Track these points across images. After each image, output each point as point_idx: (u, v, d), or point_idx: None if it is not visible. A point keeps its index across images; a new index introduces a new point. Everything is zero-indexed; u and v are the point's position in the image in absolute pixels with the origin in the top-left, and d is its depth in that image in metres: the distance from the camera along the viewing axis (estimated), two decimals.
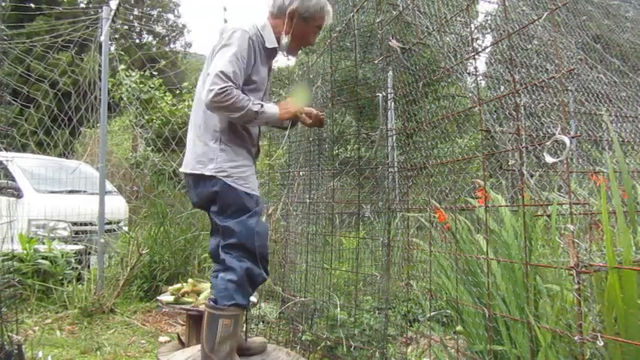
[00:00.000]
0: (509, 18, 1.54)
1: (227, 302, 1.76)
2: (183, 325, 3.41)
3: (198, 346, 2.07)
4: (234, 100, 1.71)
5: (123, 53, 6.41)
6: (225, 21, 4.05)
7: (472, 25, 1.76)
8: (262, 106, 1.82)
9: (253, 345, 2.08)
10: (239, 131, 1.89)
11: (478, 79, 1.77)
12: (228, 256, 1.82)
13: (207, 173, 1.81)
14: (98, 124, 5.18)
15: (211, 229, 2.07)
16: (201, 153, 1.84)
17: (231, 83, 1.71)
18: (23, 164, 5.22)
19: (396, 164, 2.86)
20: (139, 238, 4.16)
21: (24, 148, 6.18)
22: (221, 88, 1.68)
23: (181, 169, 1.97)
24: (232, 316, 1.77)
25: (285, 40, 1.93)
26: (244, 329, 2.15)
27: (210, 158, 1.82)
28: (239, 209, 1.83)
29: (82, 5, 15.09)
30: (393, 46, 2.12)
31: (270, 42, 1.92)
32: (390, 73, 2.61)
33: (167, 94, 6.63)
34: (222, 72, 1.70)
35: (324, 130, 2.83)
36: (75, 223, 5.01)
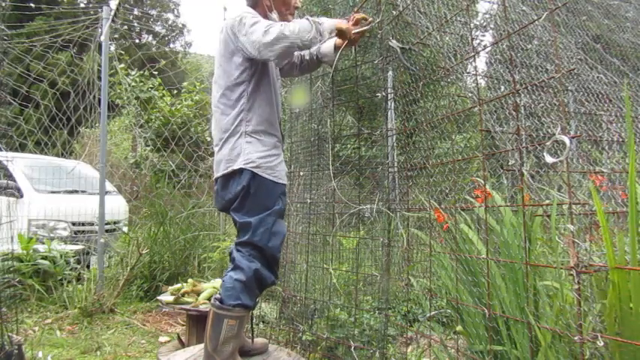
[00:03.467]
0: (509, 18, 1.54)
1: (233, 302, 1.75)
2: (183, 325, 3.41)
3: (199, 346, 2.07)
4: (296, 23, 1.76)
5: (123, 53, 6.40)
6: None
7: (472, 25, 1.76)
8: (318, 19, 1.84)
9: (255, 346, 2.08)
10: (264, 118, 1.88)
11: (478, 79, 1.77)
12: (239, 255, 1.81)
13: (237, 167, 1.80)
14: (97, 124, 5.18)
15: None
16: (229, 152, 1.83)
17: (274, 22, 1.76)
18: (23, 164, 5.22)
19: (396, 164, 2.86)
20: (139, 238, 4.16)
21: (22, 148, 6.18)
22: (279, 25, 1.73)
23: (215, 176, 1.96)
24: (237, 317, 1.76)
25: (274, 16, 1.97)
26: (250, 330, 2.15)
27: (238, 153, 1.82)
28: (260, 205, 1.81)
29: (82, 5, 15.08)
30: (393, 46, 2.12)
31: None
32: (390, 73, 2.61)
33: (166, 93, 6.63)
34: (267, 24, 1.74)
35: (323, 129, 2.83)
36: (75, 223, 5.02)
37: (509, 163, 1.49)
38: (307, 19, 1.82)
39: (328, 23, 1.87)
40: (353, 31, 1.95)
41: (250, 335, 2.12)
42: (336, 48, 2.09)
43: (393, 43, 2.12)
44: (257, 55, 1.78)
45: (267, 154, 1.85)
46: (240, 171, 1.81)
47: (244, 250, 1.81)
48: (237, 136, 1.83)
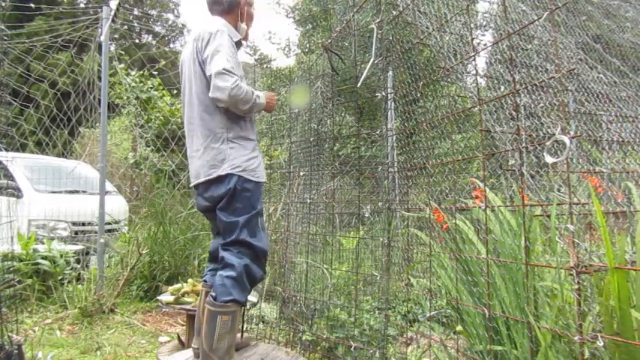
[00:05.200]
0: (509, 18, 1.54)
1: (225, 298, 1.80)
2: (183, 325, 3.41)
3: (196, 345, 2.07)
4: (246, 91, 1.83)
5: (123, 53, 6.40)
6: None
7: (472, 25, 1.76)
8: (259, 97, 1.94)
9: (239, 340, 2.13)
10: (242, 125, 1.96)
11: (478, 79, 1.77)
12: (227, 253, 1.86)
13: (223, 172, 1.86)
14: (97, 124, 5.18)
15: (215, 232, 2.11)
16: (212, 157, 1.89)
17: (236, 77, 1.81)
18: (23, 164, 5.22)
19: (396, 164, 2.86)
20: (139, 238, 4.15)
21: (23, 148, 6.18)
22: (234, 82, 1.78)
23: (193, 182, 2.01)
24: (230, 312, 1.81)
25: (244, 27, 2.11)
26: (242, 328, 2.17)
27: (222, 159, 1.88)
28: (247, 205, 1.88)
29: (82, 5, 15.08)
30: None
31: (236, 36, 2.03)
32: (390, 73, 2.61)
33: (166, 93, 6.63)
34: (224, 69, 1.78)
35: (323, 128, 2.83)
36: (75, 223, 5.01)
37: (509, 163, 1.49)
38: (253, 92, 1.90)
39: (262, 103, 1.98)
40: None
41: (243, 332, 2.17)
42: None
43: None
44: (210, 80, 1.83)
45: (250, 157, 1.94)
46: (226, 175, 1.87)
47: (233, 248, 1.87)
48: (219, 143, 1.90)
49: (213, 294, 1.84)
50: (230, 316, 1.80)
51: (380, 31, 2.24)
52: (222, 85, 1.77)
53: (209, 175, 1.89)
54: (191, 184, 2.04)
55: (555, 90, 1.55)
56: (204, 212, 2.10)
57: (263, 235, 1.93)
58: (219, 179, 1.87)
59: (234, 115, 1.92)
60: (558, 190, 1.65)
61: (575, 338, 1.13)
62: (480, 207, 1.67)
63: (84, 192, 5.50)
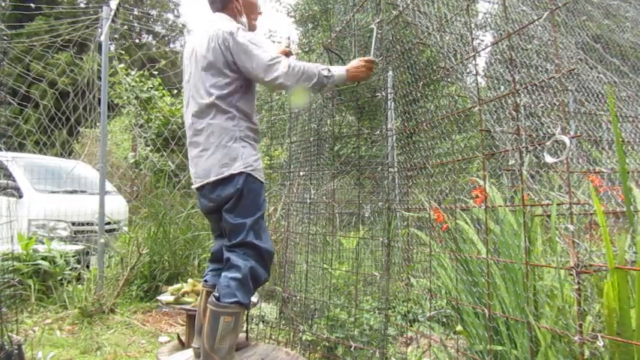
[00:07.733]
0: (509, 18, 1.54)
1: (229, 300, 1.79)
2: (183, 325, 3.41)
3: (196, 345, 2.07)
4: (302, 69, 1.86)
5: (123, 53, 6.40)
6: None
7: (472, 25, 1.76)
8: (329, 70, 1.95)
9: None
10: (250, 126, 1.97)
11: (478, 79, 1.77)
12: (233, 255, 1.85)
13: (236, 172, 1.85)
14: (97, 124, 5.18)
15: (217, 233, 2.11)
16: (223, 157, 1.87)
17: (282, 60, 1.85)
18: (22, 164, 5.22)
19: (396, 164, 2.86)
20: (139, 238, 4.15)
21: (21, 148, 6.17)
22: (284, 67, 1.83)
23: (198, 183, 1.96)
24: (233, 314, 1.80)
25: (243, 20, 2.08)
26: (245, 329, 2.16)
27: (234, 157, 1.86)
28: (253, 205, 1.89)
29: (82, 5, 15.08)
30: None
31: None
32: (390, 73, 2.61)
33: (166, 93, 6.63)
34: (269, 62, 1.83)
35: (323, 128, 2.83)
36: (75, 223, 5.01)
37: (509, 163, 1.49)
38: (317, 67, 1.91)
39: (339, 75, 1.96)
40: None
41: (248, 334, 2.16)
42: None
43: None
44: (254, 79, 1.93)
45: (257, 157, 1.96)
46: (237, 174, 1.86)
47: (239, 249, 1.86)
48: (232, 141, 1.88)
49: (217, 294, 1.83)
50: (233, 317, 1.80)
51: (380, 31, 2.24)
52: (277, 75, 1.82)
53: (220, 173, 1.86)
54: (195, 185, 1.98)
55: (555, 90, 1.55)
56: (208, 214, 2.07)
57: (267, 236, 1.92)
58: (230, 178, 1.85)
59: (244, 114, 1.93)
60: (558, 190, 1.65)
61: (575, 338, 1.13)
62: (479, 207, 1.67)
63: (84, 192, 5.50)
